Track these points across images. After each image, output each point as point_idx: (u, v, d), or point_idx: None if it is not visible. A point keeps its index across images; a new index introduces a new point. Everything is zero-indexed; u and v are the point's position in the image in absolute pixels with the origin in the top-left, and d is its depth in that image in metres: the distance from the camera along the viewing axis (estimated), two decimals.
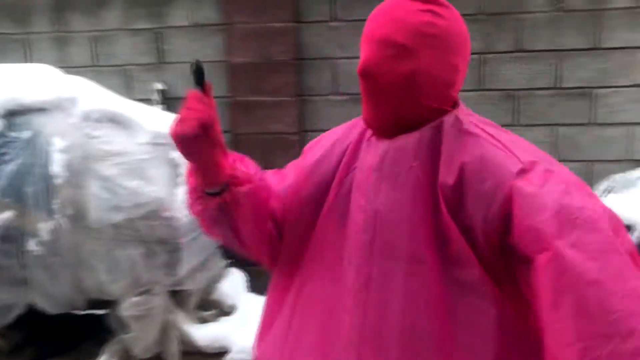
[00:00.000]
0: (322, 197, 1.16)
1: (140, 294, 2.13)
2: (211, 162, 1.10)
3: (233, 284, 2.68)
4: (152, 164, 2.23)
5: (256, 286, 3.00)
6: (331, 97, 3.40)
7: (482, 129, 1.05)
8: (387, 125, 1.08)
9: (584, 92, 3.24)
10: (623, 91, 3.28)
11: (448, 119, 1.05)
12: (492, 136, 1.03)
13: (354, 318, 1.07)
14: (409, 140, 1.05)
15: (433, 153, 1.03)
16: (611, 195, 2.83)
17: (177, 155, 2.31)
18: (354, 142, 1.17)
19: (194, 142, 1.06)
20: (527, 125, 3.30)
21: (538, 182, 0.93)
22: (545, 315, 0.87)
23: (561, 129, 3.30)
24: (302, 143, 3.37)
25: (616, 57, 3.25)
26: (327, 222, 1.15)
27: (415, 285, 1.01)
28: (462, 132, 1.04)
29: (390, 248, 1.04)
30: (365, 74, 1.06)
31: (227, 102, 3.37)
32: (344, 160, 1.16)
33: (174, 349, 2.24)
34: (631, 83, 3.27)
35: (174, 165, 2.32)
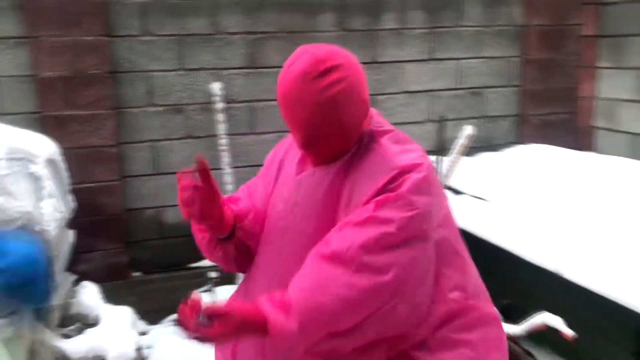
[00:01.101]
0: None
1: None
2: (218, 218, 1.35)
3: (89, 296, 2.69)
4: (12, 180, 2.18)
5: (110, 298, 3.04)
6: (148, 109, 3.51)
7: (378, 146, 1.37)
8: (322, 162, 1.39)
9: (370, 99, 3.87)
10: (395, 97, 4.00)
11: (357, 147, 1.38)
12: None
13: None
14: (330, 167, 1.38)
15: (345, 171, 1.37)
16: None
17: (36, 168, 2.30)
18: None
19: (202, 218, 1.32)
20: None
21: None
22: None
23: None
24: (121, 156, 3.46)
25: (388, 70, 3.94)
26: (270, 210, 1.46)
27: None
28: (366, 150, 1.37)
29: (297, 232, 1.38)
30: (308, 150, 1.37)
31: (37, 117, 3.28)
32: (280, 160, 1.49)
33: None
34: (400, 90, 4.01)
35: (35, 179, 2.29)
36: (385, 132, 1.39)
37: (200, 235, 1.50)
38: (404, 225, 1.22)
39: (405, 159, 1.30)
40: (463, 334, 1.31)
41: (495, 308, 1.47)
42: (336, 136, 1.32)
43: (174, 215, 3.59)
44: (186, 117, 3.59)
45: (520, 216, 2.96)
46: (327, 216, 1.34)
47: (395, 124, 1.51)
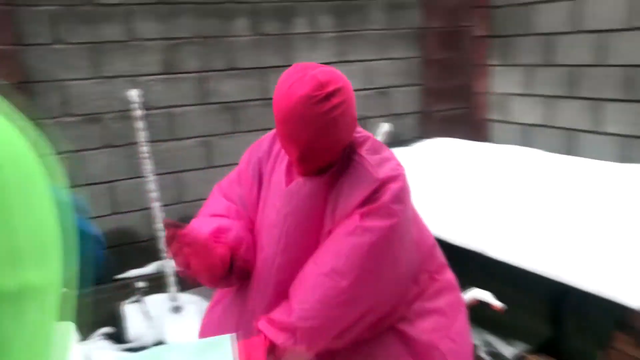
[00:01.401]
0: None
1: None
2: (219, 264, 1.44)
3: None
4: None
5: None
6: (63, 119, 3.41)
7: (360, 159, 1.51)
8: (311, 174, 1.49)
9: None
10: None
11: (340, 160, 1.50)
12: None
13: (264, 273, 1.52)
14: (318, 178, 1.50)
15: (331, 182, 1.49)
16: None
17: None
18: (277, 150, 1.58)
19: (205, 272, 1.45)
20: (245, 132, 3.89)
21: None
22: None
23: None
24: None
25: None
26: (262, 218, 1.54)
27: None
28: (348, 162, 1.50)
29: (290, 239, 1.48)
30: (301, 164, 1.46)
31: None
32: (270, 164, 1.56)
33: None
34: None
35: None
36: (363, 142, 1.54)
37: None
38: (387, 232, 1.37)
39: (384, 171, 1.47)
40: (433, 302, 1.50)
41: (452, 273, 1.68)
42: (330, 152, 1.44)
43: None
44: (104, 126, 3.52)
45: (438, 204, 3.22)
46: (316, 222, 1.46)
47: None
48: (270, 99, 3.90)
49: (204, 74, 3.73)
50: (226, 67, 3.80)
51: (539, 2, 4.23)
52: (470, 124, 4.70)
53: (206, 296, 3.47)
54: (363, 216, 1.40)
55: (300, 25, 4.02)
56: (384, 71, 4.39)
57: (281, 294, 1.43)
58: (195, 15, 3.65)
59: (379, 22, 4.31)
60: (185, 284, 3.57)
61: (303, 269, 1.41)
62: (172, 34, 3.60)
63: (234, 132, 3.85)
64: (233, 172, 1.73)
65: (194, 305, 3.52)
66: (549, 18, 4.16)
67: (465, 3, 4.55)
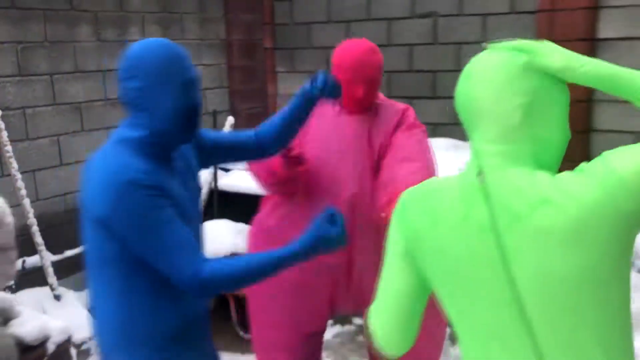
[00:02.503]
0: None
1: None
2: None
3: None
4: None
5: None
6: None
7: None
8: (361, 110, 2.23)
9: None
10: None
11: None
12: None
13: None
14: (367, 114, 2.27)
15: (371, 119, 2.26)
16: None
17: None
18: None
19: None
20: (89, 130, 4.19)
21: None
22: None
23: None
24: None
25: None
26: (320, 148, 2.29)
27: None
28: (379, 106, 2.28)
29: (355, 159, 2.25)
30: (364, 99, 2.18)
31: None
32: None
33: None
34: None
35: None
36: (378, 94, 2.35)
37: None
38: (425, 132, 2.30)
39: (400, 105, 2.35)
40: None
41: None
42: (376, 90, 2.23)
43: None
44: None
45: None
46: (366, 145, 2.23)
47: None
48: (111, 99, 4.28)
49: (54, 76, 3.95)
50: (73, 69, 4.07)
51: (316, 22, 5.43)
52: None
53: (80, 286, 3.73)
54: (409, 128, 2.23)
55: (134, 34, 4.47)
56: (201, 75, 5.07)
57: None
58: (45, 21, 3.85)
59: (194, 33, 4.98)
60: (62, 274, 3.78)
61: (386, 173, 2.16)
62: (24, 38, 3.75)
63: (80, 131, 4.13)
64: None
65: (72, 293, 3.75)
66: (325, 35, 5.38)
67: (257, 20, 5.50)
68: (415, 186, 1.22)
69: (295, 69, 5.62)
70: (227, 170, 4.43)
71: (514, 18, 4.51)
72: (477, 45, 4.32)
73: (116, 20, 4.33)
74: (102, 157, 1.47)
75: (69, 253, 3.90)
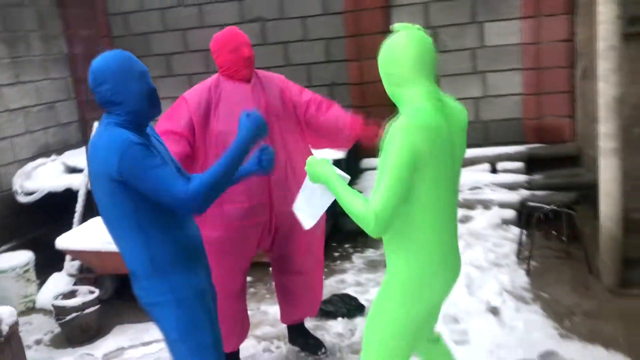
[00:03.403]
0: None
1: None
2: None
3: None
4: None
5: None
6: None
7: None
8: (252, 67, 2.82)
9: None
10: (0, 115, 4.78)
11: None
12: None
13: None
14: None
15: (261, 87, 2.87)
16: None
17: None
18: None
19: None
20: None
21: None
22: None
23: None
24: None
25: None
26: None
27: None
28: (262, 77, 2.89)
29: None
30: (250, 71, 2.83)
31: None
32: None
33: None
34: (3, 109, 4.82)
35: None
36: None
37: None
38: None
39: (274, 74, 2.99)
40: None
41: None
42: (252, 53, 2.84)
43: None
44: None
45: None
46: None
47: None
48: None
49: None
50: None
51: (154, 32, 5.94)
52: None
53: None
54: (299, 88, 2.93)
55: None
56: (49, 89, 5.33)
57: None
58: None
59: (38, 49, 5.22)
60: None
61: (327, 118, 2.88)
62: None
63: None
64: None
65: None
66: (163, 43, 5.91)
67: (95, 34, 5.85)
68: (414, 121, 1.78)
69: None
70: None
71: (327, 18, 5.49)
72: (300, 42, 5.29)
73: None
74: (100, 135, 1.98)
75: None
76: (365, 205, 1.77)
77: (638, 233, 4.10)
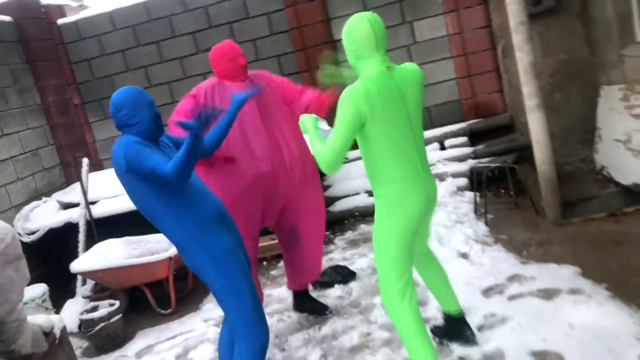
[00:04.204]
0: None
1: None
2: None
3: None
4: None
5: None
6: None
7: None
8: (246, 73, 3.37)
9: None
10: None
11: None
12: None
13: None
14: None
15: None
16: None
17: None
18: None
19: None
20: None
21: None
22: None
23: None
24: None
25: None
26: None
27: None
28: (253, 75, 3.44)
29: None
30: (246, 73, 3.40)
31: None
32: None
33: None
34: None
35: None
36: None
37: None
38: None
39: (258, 71, 3.53)
40: None
41: None
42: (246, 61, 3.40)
43: None
44: None
45: None
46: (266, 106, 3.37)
47: None
48: None
49: None
50: None
51: (116, 73, 6.41)
52: (93, 165, 6.45)
53: None
54: (281, 79, 3.48)
55: None
56: (31, 137, 5.72)
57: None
58: None
59: (16, 103, 5.63)
60: None
61: (303, 99, 3.40)
62: None
63: None
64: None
65: None
66: (127, 81, 6.39)
67: (63, 83, 6.28)
68: (356, 87, 2.39)
69: (106, 116, 6.50)
70: (93, 202, 5.20)
71: (276, 37, 6.11)
72: (254, 62, 5.88)
73: None
74: (116, 143, 2.57)
75: None
76: (320, 148, 2.47)
77: (568, 181, 4.86)
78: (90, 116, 6.55)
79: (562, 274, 3.47)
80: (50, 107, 6.06)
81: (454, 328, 3.02)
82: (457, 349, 2.98)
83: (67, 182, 6.05)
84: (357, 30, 2.46)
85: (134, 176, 2.52)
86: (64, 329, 3.32)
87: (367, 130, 2.43)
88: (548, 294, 3.28)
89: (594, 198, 4.50)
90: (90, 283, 4.76)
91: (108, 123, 6.49)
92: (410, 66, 2.59)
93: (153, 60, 6.37)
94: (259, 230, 3.55)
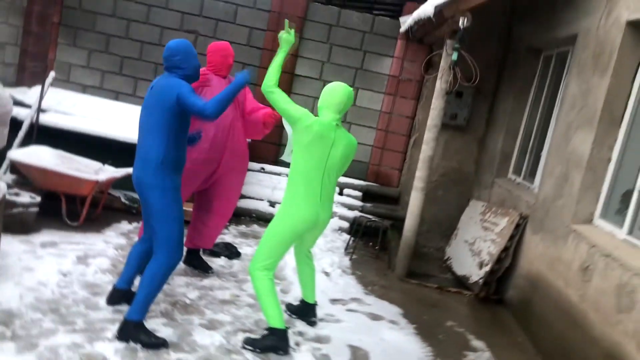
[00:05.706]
0: None
1: None
2: None
3: None
4: None
5: None
6: None
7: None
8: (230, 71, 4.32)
9: None
10: None
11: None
12: None
13: None
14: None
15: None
16: None
17: None
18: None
19: None
20: None
21: None
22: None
23: None
24: None
25: None
26: None
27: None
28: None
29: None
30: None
31: None
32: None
33: None
34: None
35: None
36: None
37: None
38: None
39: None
40: None
41: None
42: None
43: None
44: None
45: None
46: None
47: None
48: None
49: None
50: None
51: (102, 14, 7.04)
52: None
53: None
54: (248, 91, 4.41)
55: None
56: (2, 31, 6.20)
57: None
58: None
59: None
60: None
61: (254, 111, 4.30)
62: None
63: None
64: None
65: None
66: (108, 25, 7.03)
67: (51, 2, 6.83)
68: (319, 118, 3.52)
69: (75, 45, 7.07)
70: (44, 111, 5.76)
71: (249, 49, 7.08)
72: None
73: None
74: (167, 79, 3.37)
75: None
76: (271, 83, 3.56)
77: (420, 259, 6.15)
78: (60, 37, 7.08)
79: (389, 310, 4.63)
80: (33, 14, 6.57)
81: (305, 311, 4.04)
82: (299, 324, 4.01)
83: (17, 84, 6.51)
84: (336, 93, 3.53)
85: (174, 107, 3.31)
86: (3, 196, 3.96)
87: (299, 147, 3.49)
88: (375, 317, 4.42)
89: (432, 276, 5.79)
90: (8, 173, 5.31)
91: (73, 49, 7.06)
92: (352, 138, 3.66)
93: (138, 18, 7.08)
94: (191, 193, 4.45)
